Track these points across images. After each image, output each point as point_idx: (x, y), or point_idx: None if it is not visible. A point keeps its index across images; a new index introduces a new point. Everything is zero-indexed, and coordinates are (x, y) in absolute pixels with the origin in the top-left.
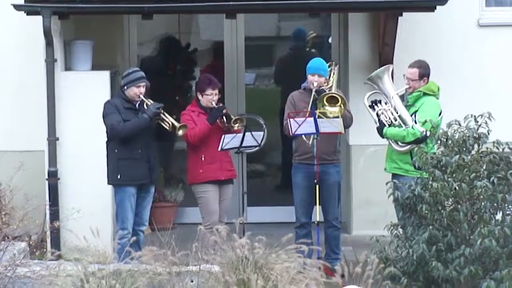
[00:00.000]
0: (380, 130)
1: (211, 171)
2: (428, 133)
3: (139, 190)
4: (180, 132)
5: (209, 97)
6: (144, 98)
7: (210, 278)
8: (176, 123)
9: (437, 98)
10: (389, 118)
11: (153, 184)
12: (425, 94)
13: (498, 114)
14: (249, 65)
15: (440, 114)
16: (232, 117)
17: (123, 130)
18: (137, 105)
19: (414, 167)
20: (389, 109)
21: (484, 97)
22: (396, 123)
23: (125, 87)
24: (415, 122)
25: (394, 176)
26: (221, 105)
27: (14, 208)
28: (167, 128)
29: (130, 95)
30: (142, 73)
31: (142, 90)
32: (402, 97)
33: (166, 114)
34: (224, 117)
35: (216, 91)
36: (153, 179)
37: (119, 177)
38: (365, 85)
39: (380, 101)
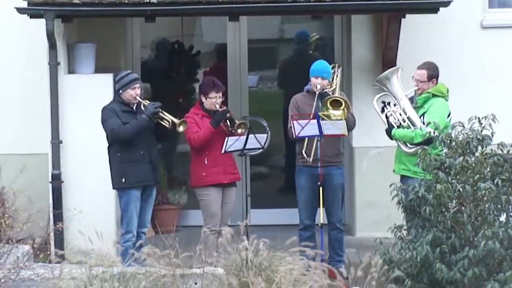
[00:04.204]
0: (389, 131)
1: (214, 174)
2: (437, 133)
3: (143, 192)
4: (181, 128)
5: (213, 100)
6: (140, 100)
7: (214, 281)
8: (175, 120)
9: (446, 100)
10: (398, 119)
11: (155, 186)
12: (434, 95)
13: (502, 116)
14: (252, 67)
15: (448, 116)
16: (236, 121)
17: (124, 133)
18: (134, 107)
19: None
20: (397, 111)
21: (488, 99)
22: (405, 124)
23: (120, 91)
24: (424, 123)
25: (403, 177)
26: (225, 108)
27: (17, 211)
28: (167, 126)
29: (126, 98)
30: (135, 75)
31: (138, 91)
32: (411, 99)
33: (164, 112)
34: (227, 121)
35: (220, 94)
36: (156, 180)
37: (123, 180)
38: (369, 87)
39: (389, 103)
